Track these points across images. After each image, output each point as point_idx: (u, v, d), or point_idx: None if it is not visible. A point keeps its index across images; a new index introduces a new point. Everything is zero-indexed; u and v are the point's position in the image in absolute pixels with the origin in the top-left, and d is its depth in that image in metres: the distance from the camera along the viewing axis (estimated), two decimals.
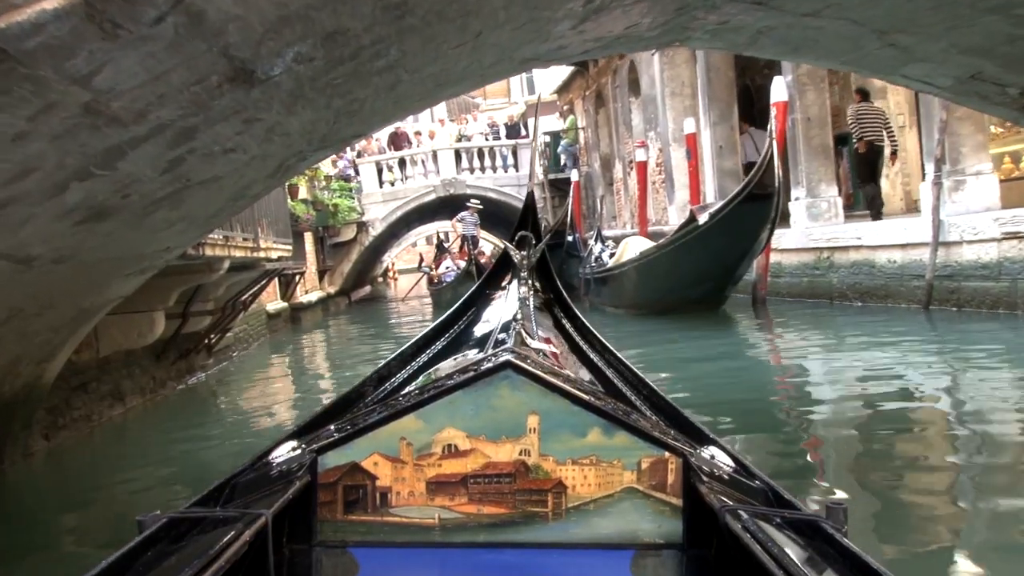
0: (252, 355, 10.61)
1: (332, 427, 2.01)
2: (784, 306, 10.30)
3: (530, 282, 3.16)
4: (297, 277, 14.49)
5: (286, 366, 10.35)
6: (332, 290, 19.48)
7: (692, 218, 9.50)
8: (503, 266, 3.81)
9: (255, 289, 8.49)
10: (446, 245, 20.30)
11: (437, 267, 18.36)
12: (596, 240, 14.33)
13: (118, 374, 6.18)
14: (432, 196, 21.06)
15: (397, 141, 22.40)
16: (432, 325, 3.31)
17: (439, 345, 3.09)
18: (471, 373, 1.74)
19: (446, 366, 2.59)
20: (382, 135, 22.94)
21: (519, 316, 2.46)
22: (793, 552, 1.30)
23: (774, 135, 8.61)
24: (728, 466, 1.79)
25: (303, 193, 15.80)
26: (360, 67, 3.00)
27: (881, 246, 8.97)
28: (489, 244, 22.12)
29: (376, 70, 3.16)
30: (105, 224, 3.09)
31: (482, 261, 15.25)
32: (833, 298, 9.79)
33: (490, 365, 1.71)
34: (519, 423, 1.65)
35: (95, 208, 2.81)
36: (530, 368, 1.68)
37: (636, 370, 2.70)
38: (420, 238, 30.20)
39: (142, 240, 3.76)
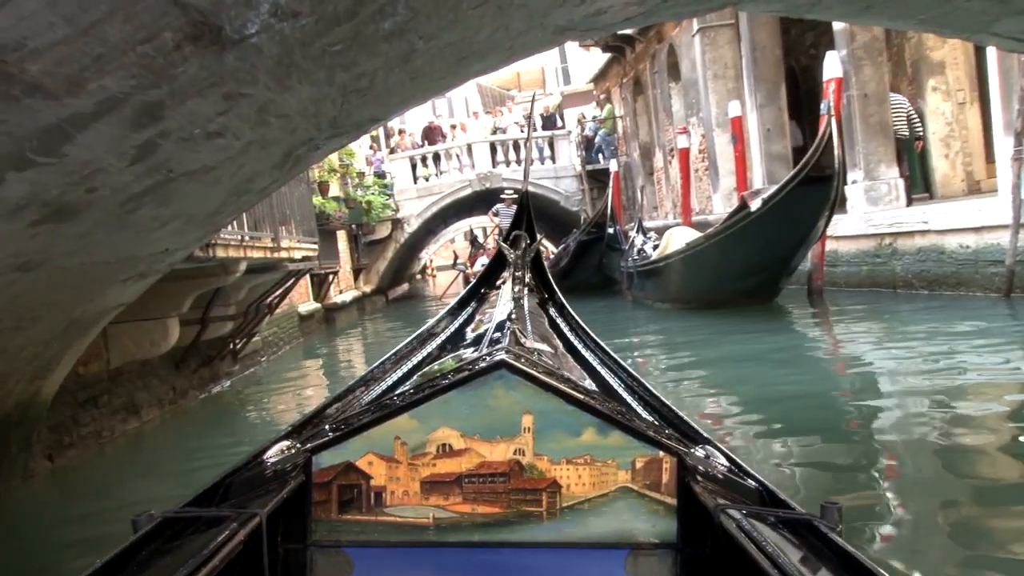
0: (283, 359, 10.27)
1: (326, 426, 1.96)
2: (842, 297, 9.70)
3: (525, 280, 3.16)
4: (330, 277, 14.18)
5: (319, 370, 9.99)
6: (368, 289, 19.13)
7: (743, 204, 8.86)
8: (498, 265, 3.83)
9: (280, 291, 8.10)
10: (480, 241, 19.83)
11: (472, 264, 17.87)
12: (638, 232, 13.78)
13: (132, 385, 5.82)
14: (468, 191, 20.61)
15: (431, 135, 22.01)
16: (427, 324, 3.29)
17: (434, 344, 3.08)
18: (466, 372, 1.73)
19: (441, 365, 2.58)
20: (416, 129, 22.59)
21: (514, 315, 2.43)
22: (787, 551, 1.28)
23: (832, 111, 7.94)
24: (722, 465, 1.77)
25: (335, 190, 15.45)
26: (362, 29, 2.52)
27: (951, 230, 8.25)
28: None
29: (383, 34, 2.67)
30: (74, 224, 2.66)
31: None
32: (897, 287, 9.10)
33: (485, 364, 1.71)
34: (513, 422, 1.65)
35: (52, 205, 2.38)
36: (525, 368, 1.68)
37: (631, 369, 2.70)
38: (458, 234, 29.86)
39: (131, 242, 3.34)
